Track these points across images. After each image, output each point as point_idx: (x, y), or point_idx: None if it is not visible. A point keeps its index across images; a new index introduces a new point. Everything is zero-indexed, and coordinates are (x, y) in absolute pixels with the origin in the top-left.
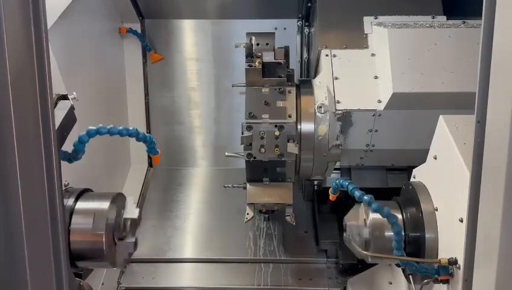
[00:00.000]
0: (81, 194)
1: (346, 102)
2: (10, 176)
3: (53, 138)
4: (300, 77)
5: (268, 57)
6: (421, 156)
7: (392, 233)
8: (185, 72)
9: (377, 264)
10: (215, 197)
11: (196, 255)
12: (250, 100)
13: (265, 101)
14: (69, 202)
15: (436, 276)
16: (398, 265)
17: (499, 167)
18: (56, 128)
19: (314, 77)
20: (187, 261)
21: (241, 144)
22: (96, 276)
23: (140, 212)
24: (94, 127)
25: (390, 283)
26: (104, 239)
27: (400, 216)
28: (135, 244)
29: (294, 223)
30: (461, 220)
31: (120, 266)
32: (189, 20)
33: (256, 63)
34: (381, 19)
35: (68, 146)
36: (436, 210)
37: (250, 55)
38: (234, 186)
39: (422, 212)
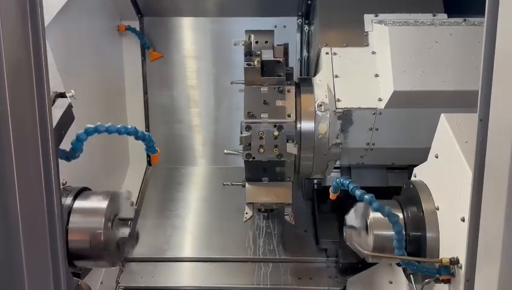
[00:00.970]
0: (79, 193)
1: (347, 100)
2: (7, 174)
3: (50, 136)
4: (300, 76)
5: (267, 55)
6: (421, 155)
7: (393, 232)
8: (184, 71)
9: (377, 263)
10: (214, 196)
11: (195, 255)
12: (249, 99)
13: (264, 101)
14: (67, 201)
15: (438, 276)
16: (398, 264)
17: (501, 165)
18: (54, 126)
19: (314, 75)
20: (186, 261)
21: (240, 144)
22: (94, 275)
23: (138, 211)
24: (92, 126)
25: (391, 283)
26: (102, 238)
27: (400, 215)
28: (133, 242)
29: (293, 223)
30: (463, 220)
31: (118, 264)
32: (189, 17)
33: (255, 62)
34: (381, 16)
35: (66, 145)
36: (438, 209)
37: (249, 53)
38: (233, 184)
39: (423, 211)
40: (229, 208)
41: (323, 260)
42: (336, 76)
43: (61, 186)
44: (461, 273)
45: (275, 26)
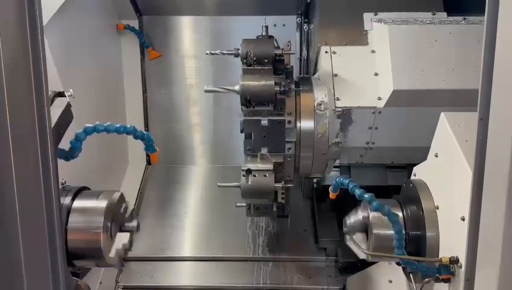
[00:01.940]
0: (79, 192)
1: (346, 99)
2: (6, 174)
3: (49, 135)
4: (300, 74)
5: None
6: (421, 154)
7: (393, 232)
8: (183, 70)
9: (376, 262)
10: (213, 196)
11: (194, 254)
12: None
13: None
14: (66, 200)
15: (437, 275)
16: (398, 264)
17: (501, 164)
18: (52, 126)
19: (314, 74)
20: (185, 260)
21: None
22: (93, 275)
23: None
24: (91, 125)
25: (390, 281)
26: (101, 238)
27: (400, 215)
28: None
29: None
30: (463, 219)
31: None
32: (188, 16)
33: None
34: (381, 15)
35: (65, 144)
36: (437, 208)
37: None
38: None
39: (423, 210)
40: (228, 207)
41: (323, 259)
42: (335, 75)
43: (61, 186)
44: (461, 272)
45: (274, 25)
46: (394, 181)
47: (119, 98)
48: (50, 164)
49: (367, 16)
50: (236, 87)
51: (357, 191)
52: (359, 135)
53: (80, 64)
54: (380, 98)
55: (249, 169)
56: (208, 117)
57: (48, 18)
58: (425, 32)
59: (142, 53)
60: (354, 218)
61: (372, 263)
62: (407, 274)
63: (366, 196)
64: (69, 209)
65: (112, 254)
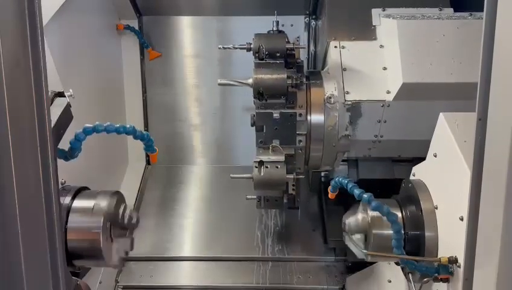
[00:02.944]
0: (78, 192)
1: (356, 93)
2: (6, 174)
3: (49, 135)
4: (308, 69)
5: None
6: (429, 148)
7: (392, 231)
8: (183, 70)
9: (376, 262)
10: (213, 195)
11: (194, 254)
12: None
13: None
14: (66, 200)
15: (436, 275)
16: (397, 263)
17: (500, 165)
18: (52, 126)
19: (322, 68)
20: (185, 260)
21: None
22: (93, 275)
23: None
24: (91, 125)
25: (390, 281)
26: (101, 238)
27: (399, 214)
28: (132, 243)
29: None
30: (461, 219)
31: (117, 264)
32: (188, 16)
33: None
34: (389, 11)
35: (65, 144)
36: (436, 208)
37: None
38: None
39: (422, 210)
40: (228, 207)
41: (332, 259)
42: (345, 69)
43: (60, 186)
44: (460, 272)
45: (282, 25)
46: (401, 174)
47: (119, 98)
48: (50, 164)
49: (375, 12)
50: (249, 81)
51: (356, 191)
52: (368, 128)
53: (79, 64)
54: (388, 92)
55: (261, 161)
56: (208, 117)
57: (48, 18)
58: (434, 26)
59: (142, 53)
60: (353, 218)
61: (372, 263)
62: (406, 274)
63: (365, 195)
64: (68, 209)
65: (111, 253)
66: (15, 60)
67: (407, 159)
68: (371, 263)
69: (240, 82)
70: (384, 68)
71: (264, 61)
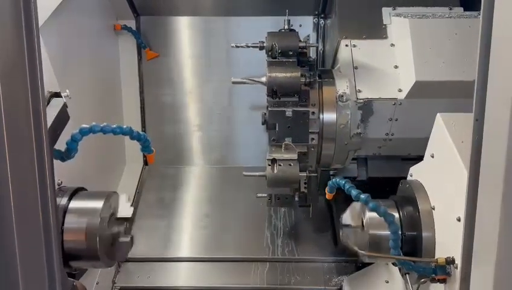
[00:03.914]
0: (75, 193)
1: (367, 91)
2: (1, 175)
3: (45, 136)
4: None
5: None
6: None
7: (389, 232)
8: (181, 70)
9: (373, 263)
10: (211, 196)
11: (192, 254)
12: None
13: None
14: (63, 201)
15: (433, 275)
16: (395, 264)
17: (497, 165)
18: (48, 126)
19: (332, 67)
20: (183, 261)
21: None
22: (90, 275)
23: (133, 211)
24: (87, 126)
25: (387, 282)
26: (97, 239)
27: (396, 215)
28: (130, 243)
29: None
30: (459, 219)
31: (112, 264)
32: (185, 17)
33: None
34: (399, 9)
35: (62, 144)
36: (433, 209)
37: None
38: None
39: (419, 211)
40: (226, 208)
41: (342, 260)
42: (356, 67)
43: (57, 187)
44: (457, 273)
45: (291, 25)
46: None
47: (116, 98)
48: (46, 165)
49: (385, 11)
50: (263, 79)
51: (353, 192)
52: (379, 127)
53: (76, 65)
54: (400, 90)
55: (274, 158)
56: (206, 117)
57: (45, 18)
58: (445, 25)
59: (139, 53)
60: (351, 218)
61: (370, 264)
62: (403, 275)
63: (362, 196)
64: (65, 210)
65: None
66: (11, 61)
67: (416, 158)
68: (369, 264)
69: (253, 80)
70: (396, 66)
71: (277, 60)
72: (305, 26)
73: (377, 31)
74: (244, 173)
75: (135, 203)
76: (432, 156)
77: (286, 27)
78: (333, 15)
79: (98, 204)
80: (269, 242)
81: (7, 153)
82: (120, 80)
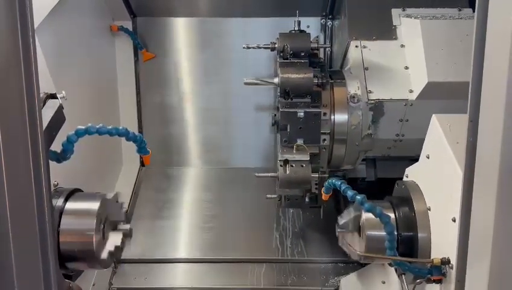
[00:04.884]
0: (71, 194)
1: (378, 92)
2: None
3: (41, 137)
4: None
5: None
6: None
7: (385, 233)
8: (177, 71)
9: (369, 263)
10: (207, 197)
11: (189, 256)
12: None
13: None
14: (59, 202)
15: (429, 276)
16: (391, 265)
17: (491, 166)
18: (44, 127)
19: (341, 67)
20: (179, 262)
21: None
22: (87, 277)
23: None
24: (83, 127)
25: (383, 282)
26: (94, 240)
27: (392, 216)
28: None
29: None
30: (454, 220)
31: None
32: (182, 18)
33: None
34: (409, 11)
35: (58, 146)
36: (429, 210)
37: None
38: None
39: (415, 211)
40: (223, 209)
41: (350, 261)
42: (367, 68)
43: (53, 188)
44: (452, 273)
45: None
46: None
47: (113, 99)
48: (41, 166)
49: (395, 12)
50: (276, 80)
51: (349, 193)
52: (390, 127)
53: (73, 66)
54: (411, 91)
55: (286, 160)
56: (202, 118)
57: (41, 19)
58: (456, 26)
59: (136, 54)
60: (347, 219)
61: (366, 264)
62: (399, 275)
63: (358, 197)
64: (61, 211)
65: (105, 255)
66: (6, 62)
67: None
68: (365, 264)
69: (266, 81)
70: (406, 67)
71: (288, 61)
72: (312, 27)
73: (387, 32)
74: (257, 174)
75: (132, 204)
76: (428, 157)
77: (296, 28)
78: (342, 16)
79: (94, 205)
80: (268, 243)
81: (2, 155)
82: (116, 81)
